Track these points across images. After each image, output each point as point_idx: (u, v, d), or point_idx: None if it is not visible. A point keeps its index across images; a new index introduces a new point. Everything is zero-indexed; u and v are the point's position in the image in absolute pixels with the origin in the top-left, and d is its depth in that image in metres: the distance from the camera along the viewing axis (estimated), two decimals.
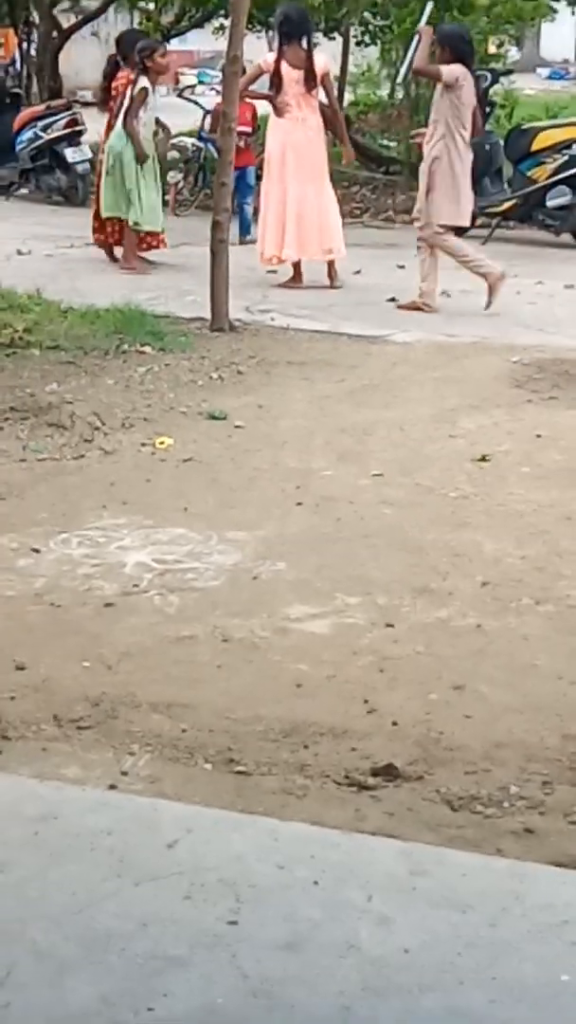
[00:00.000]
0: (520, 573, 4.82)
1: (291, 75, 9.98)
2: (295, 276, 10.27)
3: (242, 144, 11.87)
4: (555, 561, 4.94)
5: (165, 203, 11.43)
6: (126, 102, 10.61)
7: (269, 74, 10.05)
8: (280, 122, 10.17)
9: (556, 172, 12.20)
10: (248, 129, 12.37)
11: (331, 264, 10.38)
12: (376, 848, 3.15)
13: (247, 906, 2.89)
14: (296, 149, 10.06)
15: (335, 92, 10.66)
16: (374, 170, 15.58)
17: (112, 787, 3.40)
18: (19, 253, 11.43)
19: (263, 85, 10.50)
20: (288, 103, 10.05)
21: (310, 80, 9.96)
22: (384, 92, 16.76)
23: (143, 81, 10.61)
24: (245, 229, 12.17)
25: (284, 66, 9.97)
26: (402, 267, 11.18)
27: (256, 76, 10.34)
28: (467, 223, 9.66)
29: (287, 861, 3.06)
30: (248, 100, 11.32)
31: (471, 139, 9.43)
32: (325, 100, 10.35)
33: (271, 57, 10.12)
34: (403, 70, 11.44)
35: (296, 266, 10.28)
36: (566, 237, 12.49)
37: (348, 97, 19.22)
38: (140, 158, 10.61)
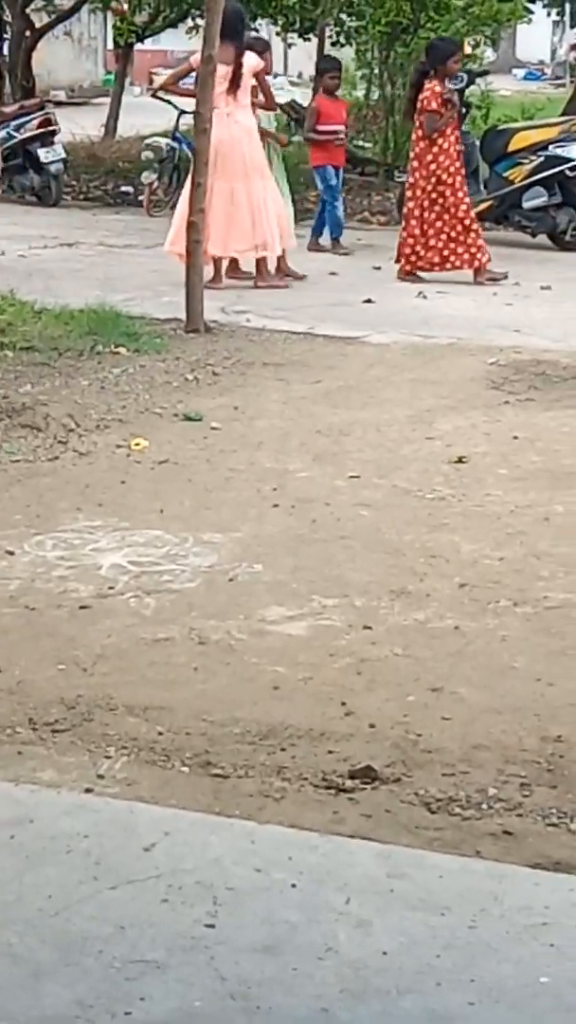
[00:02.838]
0: (498, 574, 4.81)
1: (218, 72, 9.93)
2: (215, 276, 10.11)
3: (336, 142, 12.01)
4: (533, 562, 4.94)
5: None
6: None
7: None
8: None
9: (532, 173, 12.22)
10: (342, 127, 12.26)
11: (260, 261, 10.28)
12: (354, 850, 3.13)
13: (225, 909, 2.88)
14: (220, 146, 9.95)
15: (270, 88, 10.59)
16: (349, 171, 15.57)
17: (88, 790, 3.38)
18: None
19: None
20: (215, 100, 9.98)
21: (236, 79, 9.92)
22: (360, 92, 16.75)
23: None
24: (333, 229, 12.11)
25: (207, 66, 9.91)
26: (378, 268, 11.19)
27: (185, 72, 10.35)
28: None
29: (265, 864, 3.04)
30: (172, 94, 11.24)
31: None
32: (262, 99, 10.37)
33: (199, 55, 10.03)
34: None
35: (217, 264, 10.16)
36: (542, 238, 12.51)
37: None
38: (282, 141, 10.70)
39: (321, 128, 12.00)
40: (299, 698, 3.90)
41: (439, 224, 10.58)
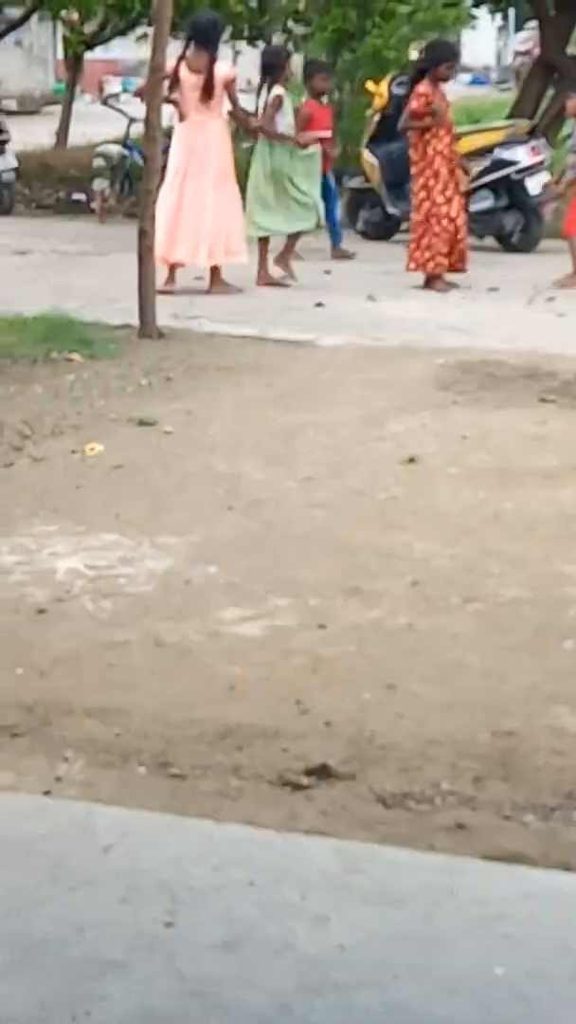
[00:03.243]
0: (449, 572, 4.86)
1: (189, 80, 10.00)
2: (168, 280, 10.18)
3: (324, 149, 11.69)
4: (483, 560, 4.98)
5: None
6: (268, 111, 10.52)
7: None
8: (181, 126, 10.22)
9: (479, 177, 12.30)
10: (328, 134, 12.09)
11: (215, 269, 10.31)
12: (310, 847, 3.16)
13: (183, 908, 2.90)
14: (194, 153, 10.05)
15: (238, 98, 10.59)
16: None
17: (47, 793, 3.39)
18: None
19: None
20: (187, 108, 10.08)
21: (208, 87, 9.97)
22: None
23: (278, 88, 10.60)
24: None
25: (183, 70, 10.00)
26: (328, 272, 11.24)
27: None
28: None
29: (222, 862, 3.07)
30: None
31: None
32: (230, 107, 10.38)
33: (172, 62, 10.10)
34: None
35: (172, 269, 10.22)
36: (489, 241, 12.60)
37: None
38: (301, 141, 10.64)
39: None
40: (255, 698, 3.92)
41: (439, 227, 10.49)
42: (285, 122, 10.67)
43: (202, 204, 10.07)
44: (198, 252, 10.16)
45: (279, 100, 10.56)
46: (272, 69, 10.74)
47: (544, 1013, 2.63)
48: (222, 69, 10.16)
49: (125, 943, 2.78)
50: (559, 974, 2.72)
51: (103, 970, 2.70)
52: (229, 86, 10.19)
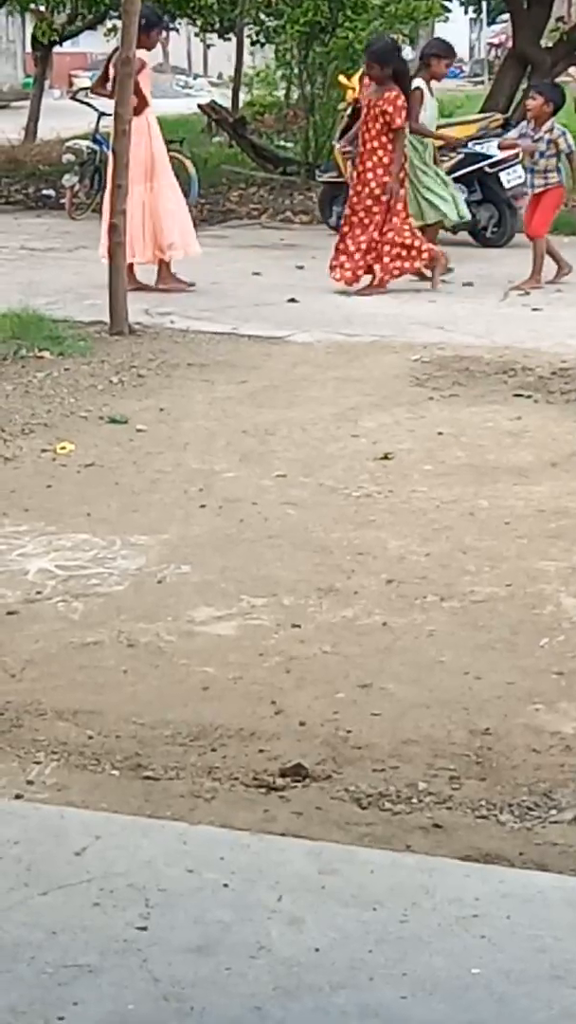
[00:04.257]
0: (424, 570, 4.84)
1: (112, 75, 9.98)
2: (166, 277, 10.21)
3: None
4: (459, 557, 4.97)
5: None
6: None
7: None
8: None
9: (452, 171, 12.26)
10: None
11: (164, 264, 10.20)
12: (285, 848, 3.14)
13: (157, 911, 2.88)
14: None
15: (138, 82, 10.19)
16: (271, 171, 15.61)
17: (18, 796, 3.37)
18: None
19: None
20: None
21: (104, 78, 9.95)
22: (280, 93, 16.79)
23: (417, 82, 10.65)
24: None
25: (111, 69, 9.98)
26: (301, 267, 11.22)
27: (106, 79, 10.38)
28: None
29: (196, 864, 3.04)
30: None
31: None
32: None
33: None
34: None
35: (129, 268, 10.16)
36: (463, 235, 12.58)
37: (244, 98, 19.31)
38: (449, 142, 11.03)
39: None
40: (229, 698, 3.90)
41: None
42: (426, 116, 10.72)
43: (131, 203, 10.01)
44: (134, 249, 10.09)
45: (419, 94, 10.60)
46: (419, 62, 11.02)
47: (520, 1014, 2.62)
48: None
49: (98, 947, 2.76)
50: (536, 974, 2.70)
51: (76, 974, 2.68)
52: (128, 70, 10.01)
